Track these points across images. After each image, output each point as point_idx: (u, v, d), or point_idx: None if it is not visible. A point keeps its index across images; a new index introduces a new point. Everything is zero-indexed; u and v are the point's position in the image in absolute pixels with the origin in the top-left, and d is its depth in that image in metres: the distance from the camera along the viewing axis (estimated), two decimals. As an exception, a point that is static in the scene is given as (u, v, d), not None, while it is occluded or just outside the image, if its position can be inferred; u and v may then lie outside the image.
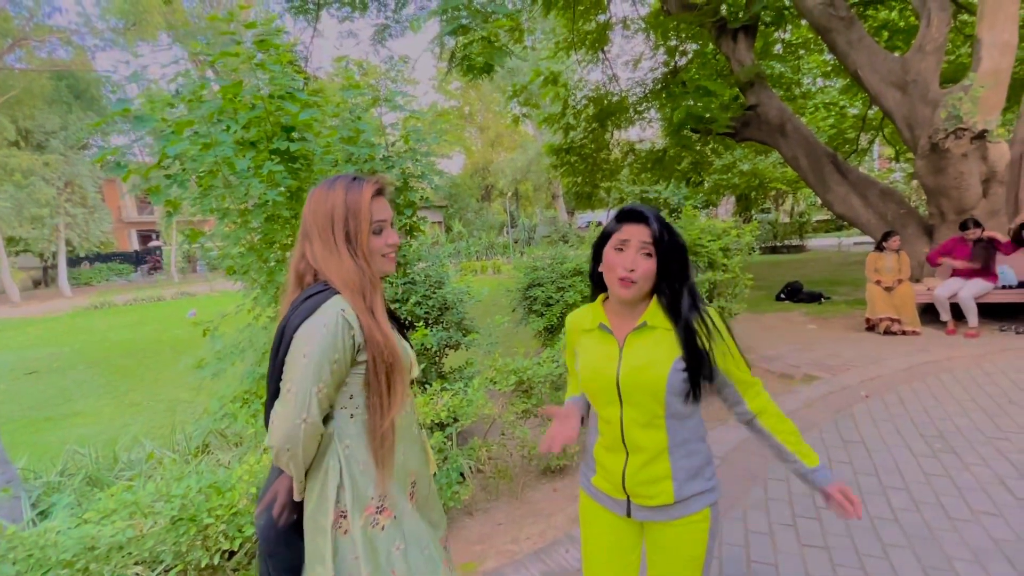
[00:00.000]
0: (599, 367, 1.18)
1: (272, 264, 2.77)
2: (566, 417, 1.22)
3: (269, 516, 1.13)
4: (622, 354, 1.16)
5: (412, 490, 1.21)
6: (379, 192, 1.16)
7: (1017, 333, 5.25)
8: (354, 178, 1.13)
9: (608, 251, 1.15)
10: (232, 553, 1.88)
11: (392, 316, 1.25)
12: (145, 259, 27.37)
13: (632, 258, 1.11)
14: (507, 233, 29.05)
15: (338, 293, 1.07)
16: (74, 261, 24.59)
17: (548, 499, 2.68)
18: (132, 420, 4.69)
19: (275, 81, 2.55)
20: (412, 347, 1.31)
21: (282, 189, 2.55)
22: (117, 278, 25.75)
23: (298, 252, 1.14)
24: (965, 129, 5.27)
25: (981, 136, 5.34)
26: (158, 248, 28.02)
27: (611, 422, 1.19)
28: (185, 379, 5.97)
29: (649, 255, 1.11)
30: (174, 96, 2.44)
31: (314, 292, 1.07)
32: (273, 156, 2.54)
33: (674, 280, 1.13)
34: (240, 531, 1.82)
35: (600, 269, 1.19)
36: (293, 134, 2.64)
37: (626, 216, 1.14)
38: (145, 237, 30.12)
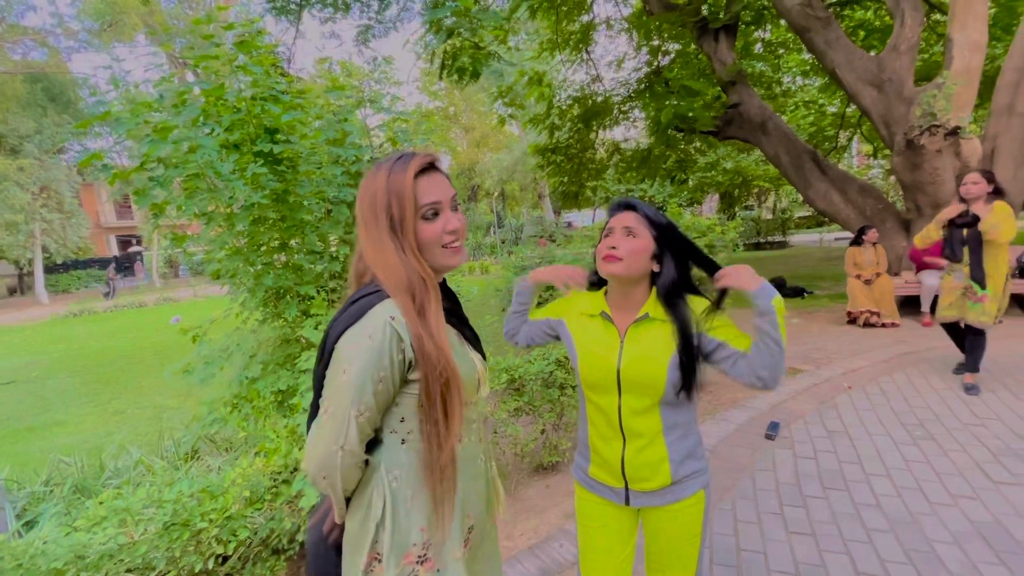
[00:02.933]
0: (600, 356, 1.20)
1: (259, 267, 2.75)
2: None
3: (319, 530, 1.02)
4: (623, 345, 1.19)
5: (468, 535, 0.99)
6: (430, 168, 0.95)
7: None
8: (400, 156, 0.95)
9: (600, 241, 1.22)
10: (226, 558, 1.87)
11: (457, 318, 1.03)
12: (125, 265, 26.82)
13: (616, 239, 1.17)
14: (494, 233, 29.06)
15: (389, 296, 0.89)
16: (51, 268, 24.02)
17: (541, 496, 2.70)
18: (116, 428, 4.61)
19: (258, 83, 2.54)
20: (484, 357, 1.09)
21: (267, 191, 2.54)
22: (97, 284, 25.22)
23: (357, 249, 0.99)
24: (939, 126, 5.42)
25: (954, 132, 5.50)
26: (131, 257, 27.32)
27: (607, 410, 1.22)
28: (170, 386, 5.88)
29: (632, 236, 1.16)
30: (157, 100, 2.42)
31: (365, 293, 0.91)
32: (257, 158, 2.53)
33: (672, 269, 1.18)
34: (234, 535, 1.81)
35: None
36: (278, 136, 2.63)
37: (614, 208, 1.22)
38: (125, 242, 29.53)
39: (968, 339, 3.63)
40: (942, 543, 2.08)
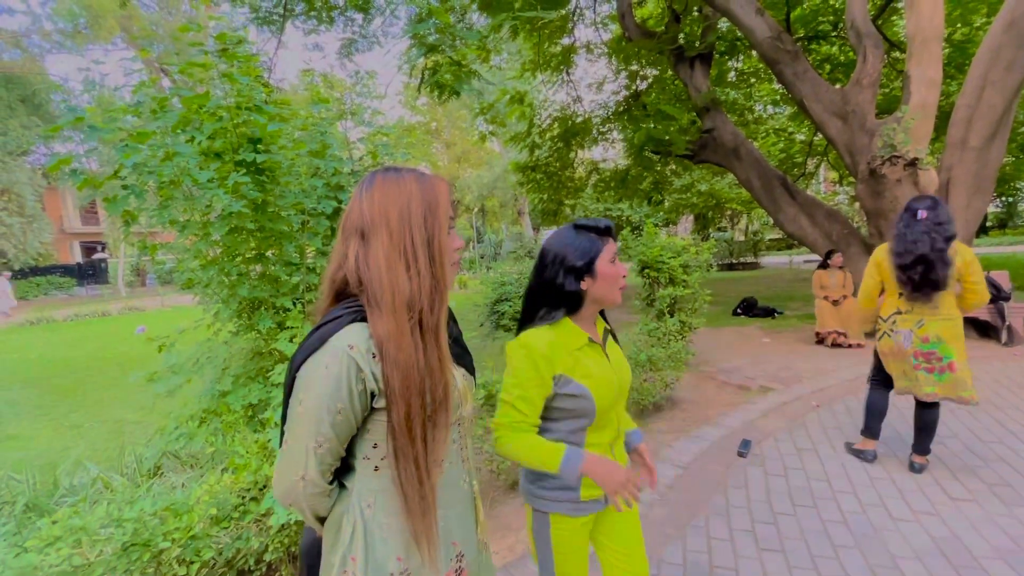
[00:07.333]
0: (606, 378, 1.25)
1: (234, 277, 2.70)
2: (617, 467, 1.15)
3: (313, 534, 0.99)
4: (609, 357, 1.30)
5: (459, 565, 0.96)
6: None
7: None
8: (411, 169, 0.95)
9: (604, 264, 1.23)
10: (187, 580, 1.79)
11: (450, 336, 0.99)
12: (88, 273, 25.77)
13: (623, 267, 1.27)
14: (473, 249, 29.09)
15: (356, 320, 0.85)
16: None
17: (517, 513, 2.68)
18: (74, 443, 4.39)
19: (241, 93, 2.52)
20: (472, 371, 1.07)
21: (246, 201, 2.51)
22: (57, 292, 24.18)
23: (338, 256, 0.90)
24: (899, 157, 5.72)
25: (913, 163, 5.80)
26: (94, 264, 26.26)
27: (608, 425, 1.30)
28: (132, 399, 5.65)
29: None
30: (133, 105, 2.38)
31: (328, 320, 0.87)
32: (239, 168, 2.51)
33: None
34: (198, 555, 1.74)
35: (584, 287, 1.22)
36: (260, 146, 2.62)
37: (607, 231, 1.28)
38: (90, 249, 28.48)
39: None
40: (904, 558, 2.14)
